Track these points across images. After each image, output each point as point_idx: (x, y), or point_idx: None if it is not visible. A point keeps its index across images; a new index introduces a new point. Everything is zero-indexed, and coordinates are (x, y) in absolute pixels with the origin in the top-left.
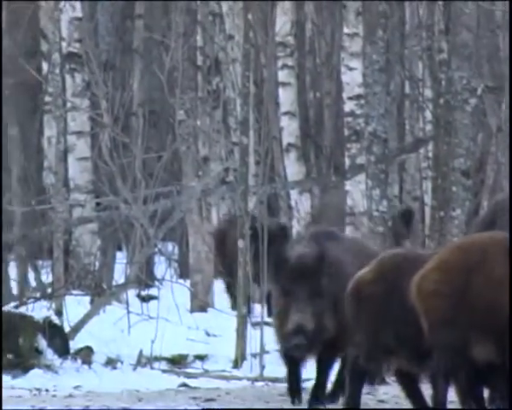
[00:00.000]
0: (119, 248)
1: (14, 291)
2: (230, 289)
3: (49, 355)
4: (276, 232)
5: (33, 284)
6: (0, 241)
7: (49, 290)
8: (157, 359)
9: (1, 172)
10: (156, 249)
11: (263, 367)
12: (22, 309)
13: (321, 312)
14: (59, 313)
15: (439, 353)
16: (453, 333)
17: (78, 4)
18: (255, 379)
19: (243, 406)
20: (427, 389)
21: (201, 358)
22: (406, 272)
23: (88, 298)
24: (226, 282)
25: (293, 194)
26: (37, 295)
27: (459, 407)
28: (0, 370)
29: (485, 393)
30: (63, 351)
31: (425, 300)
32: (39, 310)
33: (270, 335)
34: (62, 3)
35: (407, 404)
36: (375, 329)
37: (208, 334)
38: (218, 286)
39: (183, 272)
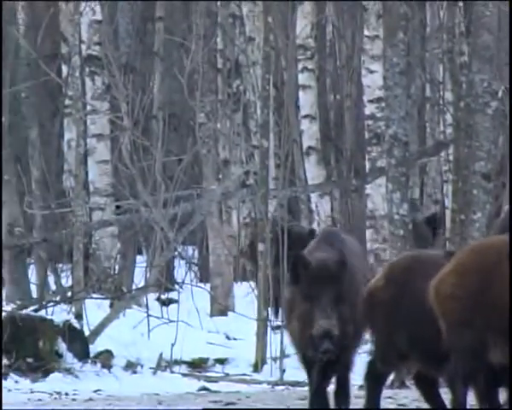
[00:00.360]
0: (139, 252)
1: (34, 294)
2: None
3: (69, 359)
4: (304, 237)
5: (53, 287)
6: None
7: (69, 294)
8: (177, 362)
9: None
10: (176, 253)
11: (283, 371)
12: (42, 313)
13: (344, 317)
14: (79, 316)
15: (457, 356)
16: (470, 336)
17: (97, 7)
18: (275, 383)
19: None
20: (446, 393)
21: (221, 362)
22: (417, 273)
23: (108, 302)
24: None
25: (314, 197)
26: (57, 298)
27: None
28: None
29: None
30: (83, 355)
31: (442, 303)
32: (59, 313)
33: None
34: (82, 6)
35: (427, 408)
36: (389, 333)
37: (228, 338)
38: (238, 290)
39: (203, 276)
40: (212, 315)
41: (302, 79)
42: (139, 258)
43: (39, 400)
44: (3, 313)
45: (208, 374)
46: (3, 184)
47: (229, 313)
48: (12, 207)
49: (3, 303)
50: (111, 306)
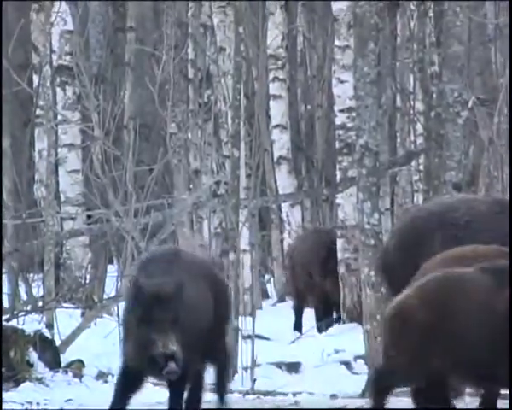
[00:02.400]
0: (111, 261)
1: (6, 304)
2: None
3: (41, 368)
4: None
5: (24, 297)
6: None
7: (40, 303)
8: None
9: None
10: None
11: (254, 380)
12: (13, 322)
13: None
14: (50, 326)
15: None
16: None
17: (69, 17)
18: (246, 392)
19: None
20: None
21: None
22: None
23: (79, 311)
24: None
25: (285, 207)
26: (28, 308)
27: None
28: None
29: None
30: (54, 364)
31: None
32: (30, 323)
33: (261, 348)
34: (53, 17)
35: None
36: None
37: None
38: None
39: None
40: None
41: (273, 88)
42: (110, 267)
43: None
44: None
45: None
46: None
47: None
48: None
49: None
50: (82, 315)
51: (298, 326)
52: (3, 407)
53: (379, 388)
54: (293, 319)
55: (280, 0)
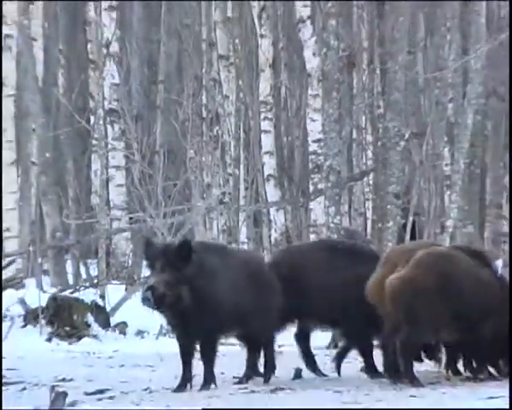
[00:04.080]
0: None
1: (71, 281)
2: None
3: (95, 328)
4: None
5: (84, 276)
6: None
7: (95, 281)
8: None
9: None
10: None
11: None
12: (76, 294)
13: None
14: (102, 297)
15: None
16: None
17: (116, 73)
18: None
19: None
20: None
21: None
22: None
23: (123, 286)
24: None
25: (272, 211)
26: (87, 284)
27: None
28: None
29: None
30: (105, 325)
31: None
32: (88, 295)
33: None
34: (105, 72)
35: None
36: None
37: None
38: None
39: None
40: None
41: (264, 125)
42: None
43: (73, 357)
44: (49, 295)
45: None
46: (48, 200)
47: None
48: (54, 219)
49: (49, 287)
50: (125, 289)
51: None
52: (69, 356)
53: (408, 356)
54: None
55: (268, 61)
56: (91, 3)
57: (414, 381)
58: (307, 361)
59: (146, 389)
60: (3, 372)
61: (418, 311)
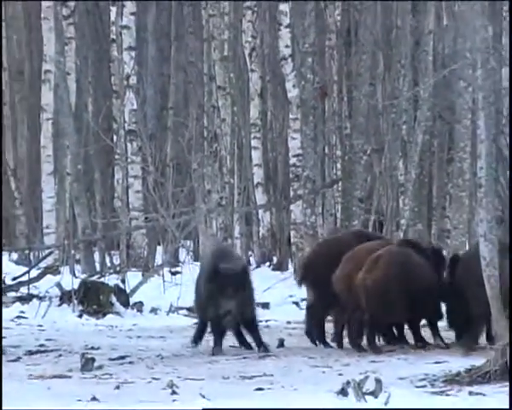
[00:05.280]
0: (159, 244)
1: (98, 269)
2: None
3: (118, 306)
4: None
5: (108, 264)
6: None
7: (118, 268)
8: (181, 308)
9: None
10: (180, 244)
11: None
12: (102, 279)
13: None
14: (123, 281)
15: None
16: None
17: (134, 101)
18: None
19: None
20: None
21: None
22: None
23: (140, 273)
24: None
25: (260, 212)
26: (111, 271)
27: None
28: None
29: None
30: (126, 304)
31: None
32: (112, 279)
33: None
34: (125, 100)
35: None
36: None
37: None
38: None
39: (196, 257)
40: None
41: (253, 143)
42: (158, 248)
43: (100, 330)
44: (80, 279)
45: None
46: (80, 204)
47: None
48: (84, 218)
49: (80, 273)
50: (142, 275)
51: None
52: (96, 329)
53: (373, 331)
54: (266, 277)
55: (257, 90)
56: (114, 44)
57: (375, 349)
58: (318, 334)
59: (158, 356)
60: (44, 342)
61: (388, 303)
